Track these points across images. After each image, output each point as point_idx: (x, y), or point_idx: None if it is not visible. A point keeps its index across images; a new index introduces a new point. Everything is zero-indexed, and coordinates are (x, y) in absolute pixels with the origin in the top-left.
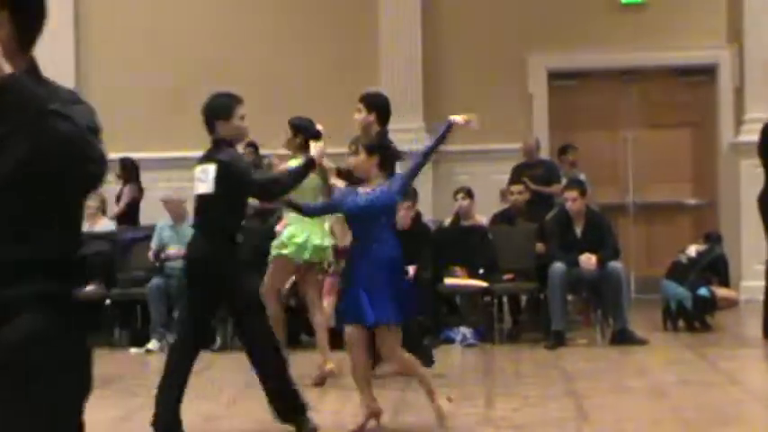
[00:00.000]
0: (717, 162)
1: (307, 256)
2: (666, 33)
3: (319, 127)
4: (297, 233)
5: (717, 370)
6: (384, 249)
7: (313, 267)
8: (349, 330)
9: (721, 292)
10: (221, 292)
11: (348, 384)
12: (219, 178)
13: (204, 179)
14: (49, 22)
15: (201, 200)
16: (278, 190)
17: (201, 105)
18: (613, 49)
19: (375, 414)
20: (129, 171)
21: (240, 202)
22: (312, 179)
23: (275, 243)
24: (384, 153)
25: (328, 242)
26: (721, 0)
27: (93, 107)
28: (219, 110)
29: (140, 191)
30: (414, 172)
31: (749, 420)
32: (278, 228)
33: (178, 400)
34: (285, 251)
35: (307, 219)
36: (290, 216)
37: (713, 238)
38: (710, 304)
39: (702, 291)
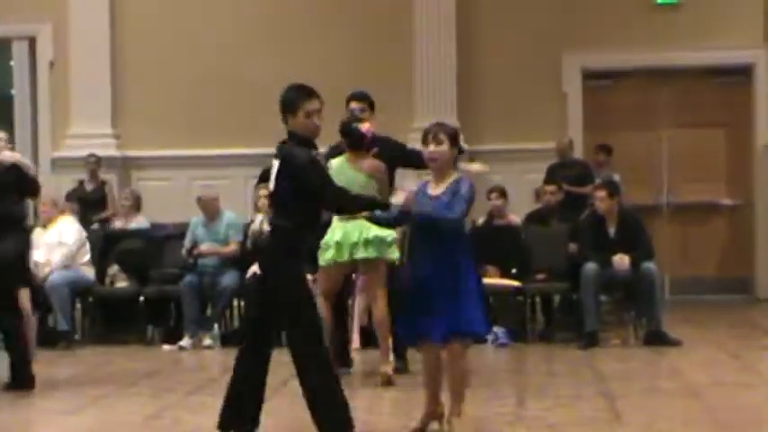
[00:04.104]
0: (752, 162)
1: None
2: (702, 33)
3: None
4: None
5: (751, 371)
6: None
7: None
8: None
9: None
10: None
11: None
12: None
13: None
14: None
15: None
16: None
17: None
18: (648, 48)
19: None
20: None
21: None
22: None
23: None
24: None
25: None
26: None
27: None
28: (286, 104)
29: None
30: None
31: None
32: None
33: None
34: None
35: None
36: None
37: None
38: None
39: None
